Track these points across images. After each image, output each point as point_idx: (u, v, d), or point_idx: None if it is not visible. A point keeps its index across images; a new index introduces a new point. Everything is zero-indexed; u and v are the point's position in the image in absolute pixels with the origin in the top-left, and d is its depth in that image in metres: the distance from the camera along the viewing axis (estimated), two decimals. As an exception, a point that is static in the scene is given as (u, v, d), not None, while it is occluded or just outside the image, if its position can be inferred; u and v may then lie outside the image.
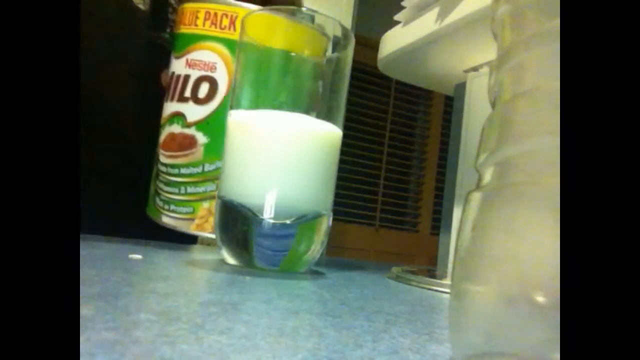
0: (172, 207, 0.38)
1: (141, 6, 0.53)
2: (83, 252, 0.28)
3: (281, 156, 0.32)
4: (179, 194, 0.37)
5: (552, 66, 0.11)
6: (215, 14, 0.37)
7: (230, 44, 0.37)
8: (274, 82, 0.33)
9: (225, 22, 0.37)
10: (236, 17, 0.37)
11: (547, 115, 0.11)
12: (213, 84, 0.37)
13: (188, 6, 0.38)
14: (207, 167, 0.37)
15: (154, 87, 0.55)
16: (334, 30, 0.35)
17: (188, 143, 0.37)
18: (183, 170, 0.37)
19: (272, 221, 0.31)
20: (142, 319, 0.15)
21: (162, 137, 0.39)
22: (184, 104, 0.37)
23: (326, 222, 0.34)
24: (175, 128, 0.37)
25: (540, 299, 0.10)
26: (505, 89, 0.13)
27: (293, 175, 0.32)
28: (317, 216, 0.33)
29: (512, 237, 0.11)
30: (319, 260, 0.35)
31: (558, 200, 0.10)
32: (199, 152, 0.37)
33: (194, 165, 0.37)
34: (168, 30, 0.54)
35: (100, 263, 0.25)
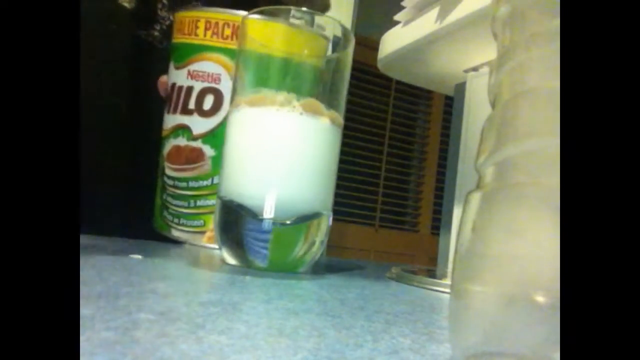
0: (182, 220, 0.37)
1: (126, 4, 0.53)
2: (83, 252, 0.28)
3: (281, 156, 0.32)
4: (188, 207, 0.36)
5: (552, 66, 0.11)
6: (217, 24, 0.35)
7: (234, 54, 0.36)
8: (276, 70, 0.33)
9: (228, 32, 0.36)
10: (238, 27, 0.36)
11: (547, 115, 0.11)
12: (218, 95, 0.36)
13: (186, 14, 0.36)
14: (217, 180, 0.37)
15: (145, 86, 0.54)
16: (334, 30, 0.35)
17: (195, 156, 0.35)
18: (192, 184, 0.36)
19: (272, 221, 0.31)
20: (142, 319, 0.15)
21: (167, 149, 0.37)
22: (188, 116, 0.36)
23: (326, 222, 0.34)
24: (181, 141, 0.36)
25: (540, 299, 0.10)
26: (505, 89, 0.13)
27: (293, 175, 0.32)
28: (317, 216, 0.33)
29: (512, 237, 0.11)
30: (319, 260, 0.35)
31: (558, 200, 0.10)
32: (207, 165, 0.37)
33: (202, 178, 0.36)
34: (158, 27, 0.53)
35: (100, 263, 0.25)
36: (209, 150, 0.36)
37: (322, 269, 0.38)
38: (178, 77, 0.37)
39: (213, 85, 0.36)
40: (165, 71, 0.45)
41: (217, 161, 0.37)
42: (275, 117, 0.32)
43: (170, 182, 0.37)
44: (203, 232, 0.38)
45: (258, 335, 0.14)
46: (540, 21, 0.12)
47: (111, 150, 0.53)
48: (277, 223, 0.31)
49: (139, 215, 0.54)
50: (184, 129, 0.36)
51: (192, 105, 0.36)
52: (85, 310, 0.15)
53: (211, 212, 0.37)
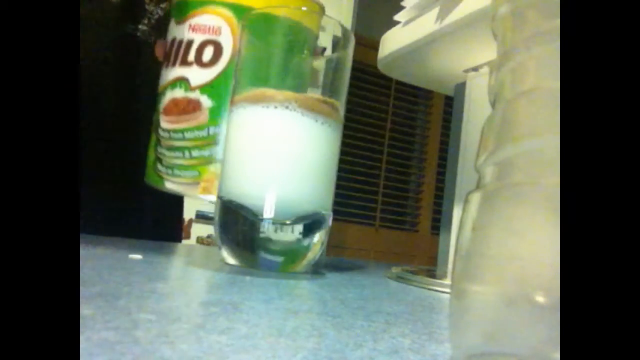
0: (176, 171, 0.37)
1: None
2: (83, 252, 0.28)
3: (281, 156, 0.32)
4: (183, 157, 0.36)
5: (552, 66, 0.11)
6: None
7: (234, 8, 0.37)
8: (275, 60, 0.33)
9: None
10: None
11: (547, 115, 0.11)
12: (218, 47, 0.37)
13: None
14: (213, 130, 0.37)
15: (132, 80, 0.54)
16: (334, 30, 0.35)
17: (192, 107, 0.36)
18: (187, 135, 0.36)
19: (272, 221, 0.31)
20: (142, 319, 0.15)
21: (163, 103, 0.38)
22: (187, 67, 0.36)
23: (326, 222, 0.34)
24: (178, 93, 0.37)
25: (540, 299, 0.10)
26: (505, 89, 0.13)
27: (293, 175, 0.32)
28: (317, 216, 0.33)
29: (512, 237, 0.11)
30: (319, 260, 0.35)
31: (558, 200, 0.10)
32: (204, 116, 0.37)
33: (199, 128, 0.36)
34: (146, 21, 0.53)
35: (100, 263, 0.25)
36: (206, 101, 0.37)
37: (322, 269, 0.38)
38: (179, 31, 0.37)
39: (213, 37, 0.37)
40: (153, 66, 0.45)
41: (215, 112, 0.37)
42: (275, 117, 0.32)
43: (166, 135, 0.37)
44: (197, 184, 0.38)
45: (258, 335, 0.14)
46: (540, 21, 0.12)
47: (98, 147, 0.53)
48: (277, 223, 0.31)
49: (139, 215, 0.54)
50: (181, 81, 0.37)
51: (191, 57, 0.36)
52: (85, 310, 0.15)
53: (207, 163, 0.37)
